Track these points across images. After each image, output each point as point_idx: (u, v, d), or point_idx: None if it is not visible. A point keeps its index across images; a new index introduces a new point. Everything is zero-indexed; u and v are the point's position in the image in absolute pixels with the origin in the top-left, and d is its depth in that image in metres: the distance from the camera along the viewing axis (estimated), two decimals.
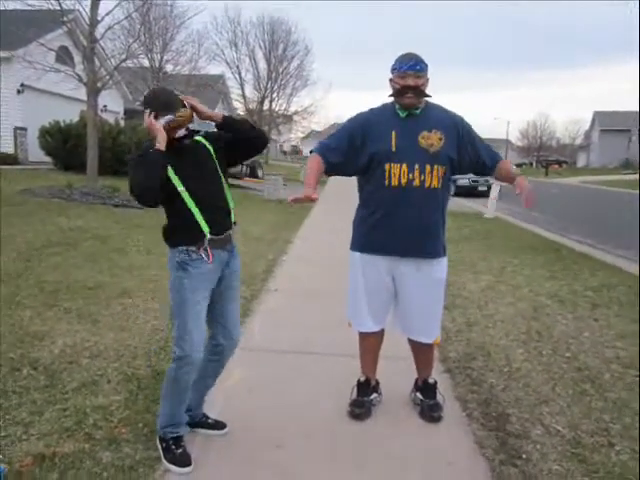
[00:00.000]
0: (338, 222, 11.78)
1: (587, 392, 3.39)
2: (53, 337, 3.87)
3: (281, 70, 38.53)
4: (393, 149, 2.73)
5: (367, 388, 3.11)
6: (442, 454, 2.59)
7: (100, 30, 12.10)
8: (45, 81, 14.56)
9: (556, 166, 60.27)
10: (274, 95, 38.84)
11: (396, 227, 2.79)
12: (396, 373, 3.40)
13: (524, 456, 2.67)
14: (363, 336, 3.08)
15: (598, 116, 59.64)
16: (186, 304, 2.42)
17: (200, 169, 2.46)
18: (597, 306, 5.29)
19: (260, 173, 21.28)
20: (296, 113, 40.90)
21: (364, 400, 3.07)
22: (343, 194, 20.51)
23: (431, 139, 2.73)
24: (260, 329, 4.45)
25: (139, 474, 2.37)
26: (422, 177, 2.73)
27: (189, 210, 2.41)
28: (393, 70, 2.74)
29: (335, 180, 29.19)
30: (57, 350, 3.65)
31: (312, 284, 6.06)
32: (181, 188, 2.38)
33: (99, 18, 11.63)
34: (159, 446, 2.53)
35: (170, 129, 2.35)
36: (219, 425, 2.79)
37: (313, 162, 2.82)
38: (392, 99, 2.80)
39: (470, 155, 2.85)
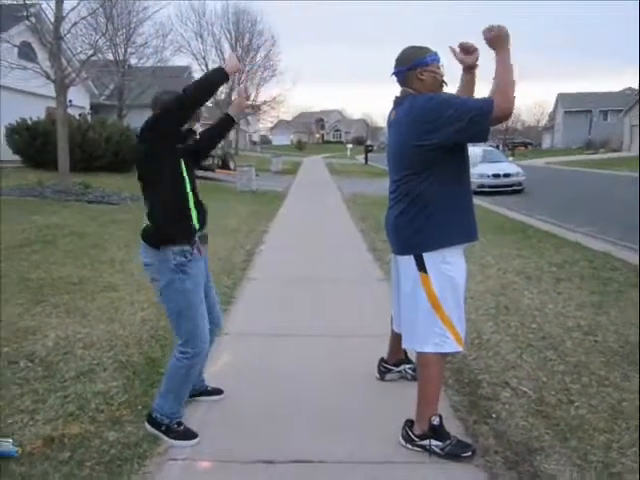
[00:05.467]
0: (311, 210, 12.06)
1: (550, 358, 3.70)
2: (45, 331, 4.00)
3: (248, 60, 38.27)
4: None
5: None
6: None
7: (65, 26, 11.97)
8: (10, 77, 14.31)
9: (522, 148, 61.36)
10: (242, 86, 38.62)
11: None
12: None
13: (494, 415, 2.95)
14: (446, 357, 2.60)
15: (562, 98, 60.91)
16: (193, 305, 2.54)
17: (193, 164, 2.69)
18: (561, 280, 5.64)
19: (232, 165, 21.33)
20: (264, 103, 40.79)
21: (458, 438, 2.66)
22: (312, 184, 20.71)
23: None
24: (243, 315, 4.65)
25: (144, 449, 2.57)
26: None
27: (184, 200, 2.52)
28: (431, 61, 2.55)
29: (305, 171, 29.02)
30: (51, 343, 3.79)
31: (289, 272, 6.28)
32: (184, 174, 2.53)
33: (63, 14, 11.52)
34: (155, 431, 2.66)
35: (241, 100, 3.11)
36: (217, 391, 3.15)
37: None
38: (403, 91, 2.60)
39: None
